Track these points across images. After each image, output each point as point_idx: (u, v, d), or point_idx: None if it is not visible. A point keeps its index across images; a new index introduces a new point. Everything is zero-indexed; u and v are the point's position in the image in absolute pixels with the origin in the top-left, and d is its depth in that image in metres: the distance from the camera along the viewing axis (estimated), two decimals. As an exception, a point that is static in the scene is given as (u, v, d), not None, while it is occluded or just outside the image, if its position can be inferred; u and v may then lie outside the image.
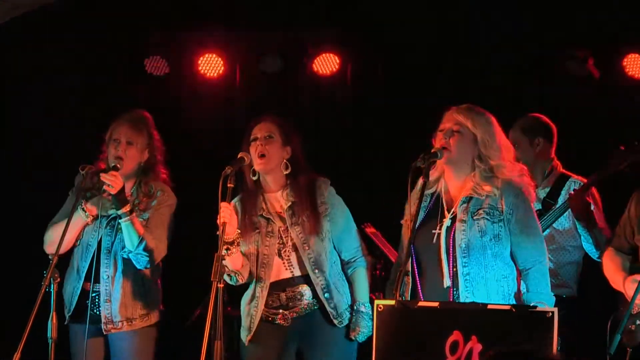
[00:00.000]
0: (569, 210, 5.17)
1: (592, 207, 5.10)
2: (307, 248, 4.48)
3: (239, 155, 4.46)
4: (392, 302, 3.83)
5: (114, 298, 4.76)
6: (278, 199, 4.58)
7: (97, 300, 4.78)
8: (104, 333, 4.77)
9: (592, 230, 5.10)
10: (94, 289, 4.77)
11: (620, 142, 5.08)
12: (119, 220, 4.71)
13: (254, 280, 4.55)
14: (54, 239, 4.72)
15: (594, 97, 6.63)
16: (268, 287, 4.50)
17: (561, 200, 5.27)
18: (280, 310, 4.49)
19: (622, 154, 5.01)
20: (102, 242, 4.80)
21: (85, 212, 4.77)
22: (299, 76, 6.98)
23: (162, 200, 4.85)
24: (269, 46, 6.90)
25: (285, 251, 4.51)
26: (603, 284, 5.45)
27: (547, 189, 5.35)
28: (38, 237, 4.92)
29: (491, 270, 4.12)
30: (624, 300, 4.33)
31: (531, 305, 3.86)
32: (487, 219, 4.13)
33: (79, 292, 4.79)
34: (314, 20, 6.87)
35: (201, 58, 6.92)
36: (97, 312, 4.78)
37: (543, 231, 5.16)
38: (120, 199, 4.67)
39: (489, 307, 3.81)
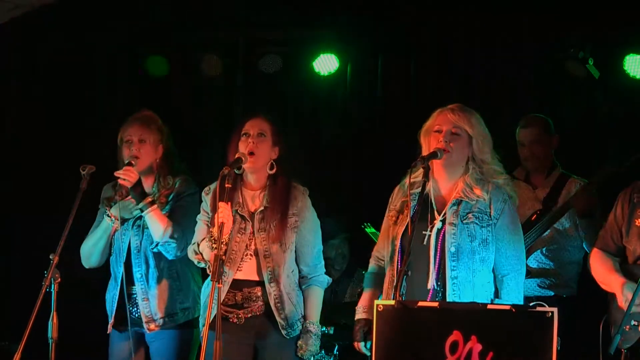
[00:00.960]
0: (570, 210, 5.17)
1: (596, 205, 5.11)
2: (267, 256, 4.47)
3: (236, 156, 4.46)
4: (392, 302, 3.83)
5: (150, 295, 4.79)
6: (255, 199, 4.57)
7: (135, 301, 4.80)
8: (148, 332, 4.78)
9: (593, 228, 5.10)
10: (132, 292, 4.80)
11: (622, 142, 5.09)
12: (142, 214, 4.74)
13: None
14: (86, 252, 4.88)
15: (594, 97, 6.62)
16: (230, 282, 4.49)
17: (561, 200, 5.28)
18: (235, 310, 4.48)
19: (623, 154, 5.02)
20: (131, 244, 4.84)
21: (111, 217, 4.81)
22: (299, 76, 6.98)
23: (180, 190, 4.87)
24: (269, 46, 6.90)
25: (247, 254, 4.51)
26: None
27: (548, 189, 5.35)
28: (38, 237, 4.93)
29: (478, 275, 4.13)
30: (616, 301, 4.33)
31: (531, 305, 3.85)
32: (476, 223, 4.13)
33: (117, 297, 4.81)
34: (314, 20, 6.87)
35: (202, 58, 6.93)
36: (137, 315, 4.80)
37: (544, 232, 5.18)
38: (138, 192, 4.73)
39: (489, 307, 3.81)
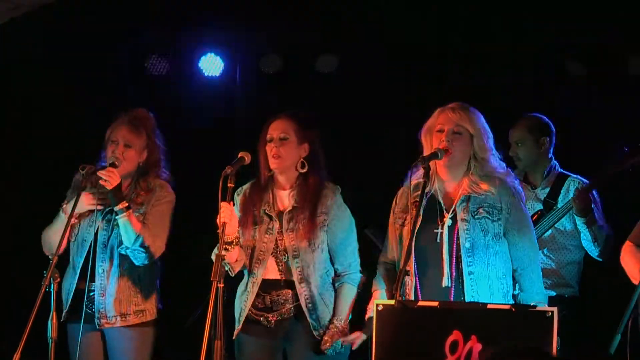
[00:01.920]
0: (571, 210, 5.18)
1: (592, 205, 5.11)
2: (296, 256, 4.47)
3: (239, 155, 4.45)
4: (392, 302, 3.83)
5: (108, 293, 4.75)
6: (285, 199, 4.57)
7: (93, 296, 4.78)
8: (98, 328, 4.77)
9: (591, 227, 5.11)
10: (91, 287, 4.77)
11: (623, 143, 5.08)
12: (116, 217, 4.71)
13: (248, 273, 4.54)
14: (46, 240, 4.81)
15: (594, 97, 6.62)
16: (259, 283, 4.49)
17: (561, 199, 5.28)
18: (264, 313, 4.48)
19: (625, 154, 5.02)
20: (98, 237, 4.80)
21: (64, 211, 4.77)
22: (299, 76, 6.98)
23: (160, 196, 4.85)
24: (269, 46, 6.90)
25: (277, 253, 4.50)
26: (604, 283, 5.46)
27: (547, 189, 5.35)
28: (38, 237, 4.92)
29: (493, 269, 4.14)
30: None
31: (531, 304, 3.86)
32: (487, 217, 4.15)
33: (74, 288, 4.79)
34: (314, 20, 6.87)
35: (201, 58, 6.93)
36: (93, 310, 4.78)
37: (545, 232, 5.19)
38: (117, 195, 4.68)
39: (489, 306, 3.81)
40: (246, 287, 4.54)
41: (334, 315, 4.49)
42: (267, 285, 4.50)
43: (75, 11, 6.82)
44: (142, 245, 4.68)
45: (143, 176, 4.87)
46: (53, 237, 4.73)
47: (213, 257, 4.34)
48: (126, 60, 6.97)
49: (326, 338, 4.45)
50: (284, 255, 4.48)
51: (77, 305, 4.78)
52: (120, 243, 4.74)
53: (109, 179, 4.65)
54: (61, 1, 6.83)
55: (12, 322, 5.00)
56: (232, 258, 4.44)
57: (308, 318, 4.44)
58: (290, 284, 4.49)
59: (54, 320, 4.34)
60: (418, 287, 4.14)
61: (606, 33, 6.41)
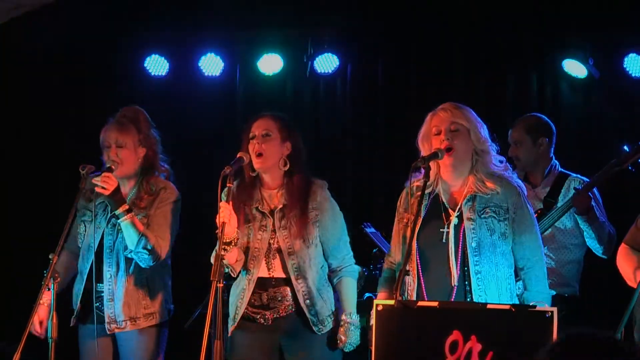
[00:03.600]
0: (572, 208, 5.18)
1: (593, 203, 5.11)
2: (291, 253, 4.46)
3: (238, 155, 4.45)
4: (392, 302, 3.82)
5: (116, 297, 4.75)
6: (273, 198, 4.57)
7: (101, 300, 4.78)
8: (108, 333, 4.77)
9: (593, 225, 5.12)
10: (98, 289, 4.77)
11: (622, 142, 5.08)
12: (117, 221, 4.71)
13: (243, 271, 4.55)
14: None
15: (594, 97, 6.63)
16: (255, 280, 4.49)
17: (561, 198, 5.28)
18: (261, 311, 4.48)
19: (625, 153, 5.02)
20: (104, 242, 4.79)
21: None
22: (299, 76, 6.98)
23: (164, 197, 4.83)
24: (269, 46, 6.90)
25: (271, 252, 4.51)
26: (605, 283, 5.46)
27: (547, 189, 5.36)
28: (38, 237, 4.92)
29: (501, 269, 4.13)
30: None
31: (531, 304, 3.86)
32: (494, 217, 4.15)
33: (81, 293, 4.79)
34: (314, 20, 6.87)
35: (201, 58, 6.93)
36: (102, 313, 4.78)
37: (545, 230, 5.19)
38: (115, 199, 4.66)
39: (489, 306, 3.81)
40: (241, 285, 4.53)
41: (342, 311, 4.49)
42: (263, 283, 4.49)
43: (75, 11, 6.83)
44: (145, 247, 4.68)
45: (147, 176, 4.85)
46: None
47: (212, 259, 4.34)
48: (126, 60, 6.98)
49: (340, 335, 4.44)
50: (279, 253, 4.48)
51: (86, 310, 4.78)
52: (126, 247, 4.73)
53: (105, 184, 4.63)
54: (61, 1, 6.83)
55: (12, 322, 5.00)
56: (232, 259, 4.44)
57: (307, 314, 4.44)
58: (287, 281, 4.48)
59: (54, 320, 4.33)
60: (423, 287, 4.13)
61: (606, 33, 6.42)
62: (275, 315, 4.48)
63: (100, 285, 4.76)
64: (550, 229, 5.23)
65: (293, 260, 4.45)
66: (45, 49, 6.91)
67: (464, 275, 4.10)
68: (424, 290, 4.13)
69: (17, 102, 7.02)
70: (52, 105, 6.94)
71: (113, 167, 4.71)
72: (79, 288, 4.81)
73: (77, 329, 4.86)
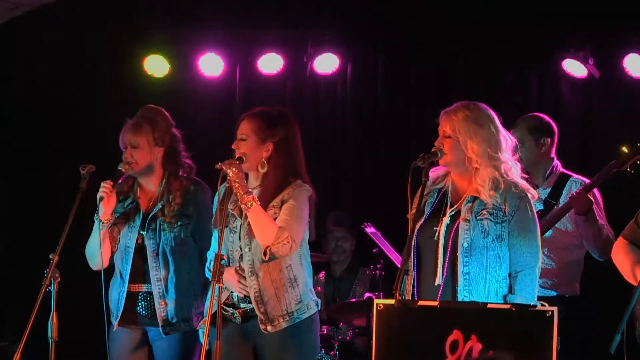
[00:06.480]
0: (571, 210, 5.18)
1: (593, 205, 5.11)
2: (248, 251, 4.43)
3: (237, 155, 4.44)
4: (392, 302, 3.82)
5: (169, 300, 4.72)
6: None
7: (146, 302, 4.76)
8: (164, 335, 4.72)
9: (592, 226, 5.11)
10: (142, 291, 4.75)
11: (622, 142, 5.08)
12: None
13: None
14: (89, 255, 4.76)
15: (594, 97, 6.63)
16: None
17: (562, 200, 5.28)
18: (230, 310, 4.45)
19: (625, 154, 5.02)
20: (147, 246, 4.76)
21: (101, 221, 4.72)
22: (299, 76, 6.98)
23: (198, 202, 4.81)
24: (269, 46, 6.91)
25: (237, 250, 4.49)
26: (604, 283, 5.46)
27: (548, 189, 5.35)
28: (38, 236, 4.92)
29: (492, 272, 4.10)
30: None
31: (531, 304, 3.85)
32: (490, 219, 4.10)
33: (125, 296, 4.75)
34: (314, 20, 6.88)
35: (201, 58, 6.94)
36: (146, 314, 4.76)
37: (545, 232, 5.18)
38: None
39: (489, 306, 3.81)
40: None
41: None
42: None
43: (75, 11, 6.83)
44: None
45: (173, 173, 4.81)
46: (96, 250, 4.71)
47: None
48: (126, 60, 6.98)
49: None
50: (241, 250, 4.46)
51: (129, 312, 4.75)
52: (172, 248, 4.73)
53: (101, 192, 4.64)
54: (61, 1, 6.84)
55: (12, 322, 5.00)
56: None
57: (257, 311, 4.38)
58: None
59: (54, 320, 4.32)
60: (416, 285, 4.12)
61: (606, 33, 6.43)
62: (242, 314, 4.43)
63: (145, 286, 4.75)
64: (551, 230, 5.23)
65: (249, 256, 4.41)
66: (45, 49, 6.92)
67: (453, 274, 4.09)
68: (416, 288, 4.12)
69: (17, 102, 7.03)
70: (51, 105, 6.94)
71: (123, 170, 4.71)
72: (120, 291, 4.76)
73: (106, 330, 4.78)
